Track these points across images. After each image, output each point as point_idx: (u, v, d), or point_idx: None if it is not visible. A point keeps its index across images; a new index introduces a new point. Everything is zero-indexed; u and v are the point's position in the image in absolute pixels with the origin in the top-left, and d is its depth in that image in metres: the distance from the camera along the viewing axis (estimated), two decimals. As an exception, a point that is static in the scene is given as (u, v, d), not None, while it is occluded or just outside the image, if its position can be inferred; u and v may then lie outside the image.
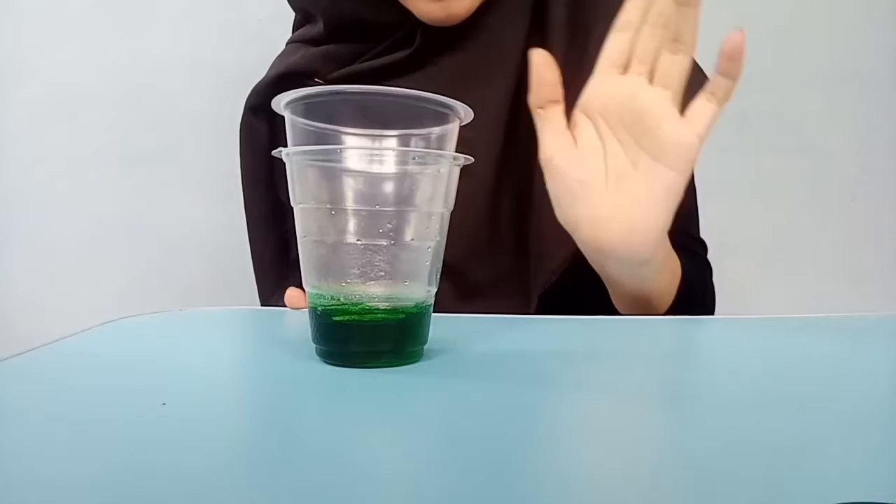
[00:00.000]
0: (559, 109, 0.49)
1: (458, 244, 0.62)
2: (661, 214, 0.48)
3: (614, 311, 0.58)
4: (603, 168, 0.49)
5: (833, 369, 0.39)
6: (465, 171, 0.55)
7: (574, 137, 0.50)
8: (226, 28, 1.16)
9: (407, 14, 0.64)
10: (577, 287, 0.61)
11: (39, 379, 0.35)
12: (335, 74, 0.68)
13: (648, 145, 0.47)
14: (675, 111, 0.47)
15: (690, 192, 0.67)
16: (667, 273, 0.55)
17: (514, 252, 0.65)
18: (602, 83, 0.50)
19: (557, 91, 0.49)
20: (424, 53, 0.66)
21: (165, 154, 1.18)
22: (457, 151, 0.37)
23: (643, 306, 0.56)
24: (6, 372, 0.36)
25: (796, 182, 1.17)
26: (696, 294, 0.60)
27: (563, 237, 0.55)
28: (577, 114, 0.50)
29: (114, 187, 1.19)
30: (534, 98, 0.49)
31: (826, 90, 1.16)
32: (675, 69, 0.47)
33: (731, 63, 0.47)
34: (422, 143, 0.38)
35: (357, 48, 0.68)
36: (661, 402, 0.32)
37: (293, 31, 0.76)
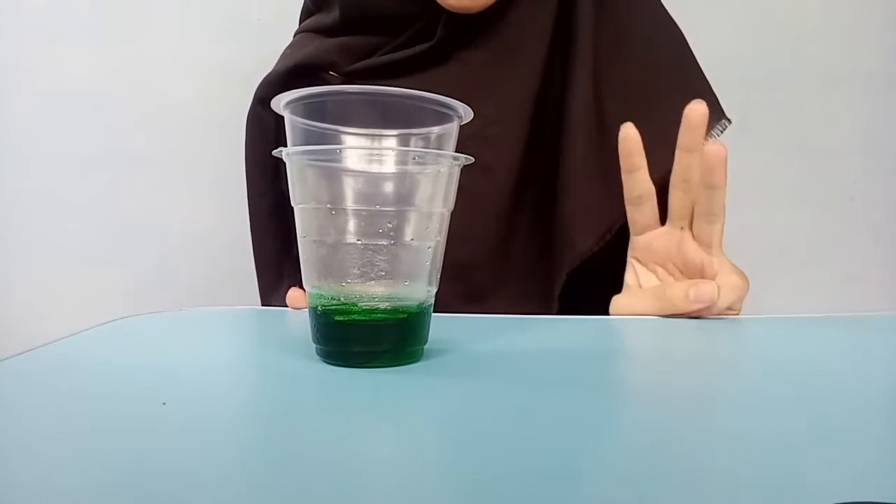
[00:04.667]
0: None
1: (472, 244, 0.62)
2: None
3: None
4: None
5: (833, 369, 0.39)
6: (481, 166, 0.55)
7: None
8: (225, 28, 1.16)
9: (427, 5, 0.62)
10: (595, 284, 0.62)
11: (39, 379, 0.35)
12: (353, 68, 0.65)
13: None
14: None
15: None
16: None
17: (530, 252, 0.64)
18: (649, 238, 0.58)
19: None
20: (446, 47, 0.64)
21: (165, 154, 1.18)
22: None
23: None
24: (6, 372, 0.36)
25: (796, 182, 1.17)
26: None
27: (590, 226, 0.60)
28: (631, 261, 0.59)
29: (114, 187, 1.19)
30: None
31: (826, 90, 1.16)
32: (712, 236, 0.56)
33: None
34: (421, 143, 0.38)
35: (375, 40, 0.66)
36: (661, 401, 0.32)
37: (301, 20, 0.74)
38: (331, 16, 0.68)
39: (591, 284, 0.61)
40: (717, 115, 0.64)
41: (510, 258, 0.64)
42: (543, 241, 0.64)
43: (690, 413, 0.30)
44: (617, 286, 0.63)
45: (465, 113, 0.37)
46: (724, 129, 0.65)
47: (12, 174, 1.19)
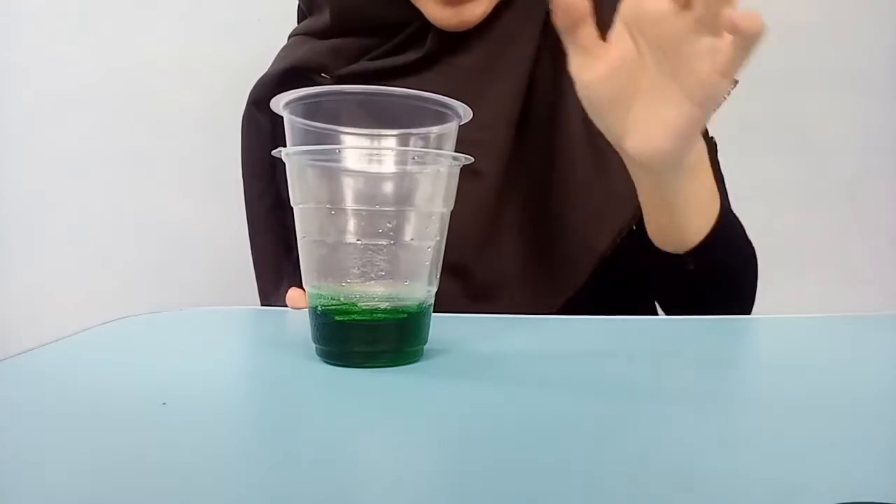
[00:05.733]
0: (588, 29, 0.45)
1: (464, 243, 0.63)
2: (685, 131, 0.45)
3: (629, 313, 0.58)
4: (631, 83, 0.46)
5: (833, 369, 0.39)
6: (472, 171, 0.53)
7: (610, 50, 0.46)
8: (225, 28, 1.16)
9: (415, 11, 0.63)
10: (598, 288, 0.61)
11: (39, 379, 0.35)
12: (345, 71, 0.66)
13: (680, 74, 0.44)
14: (711, 51, 0.42)
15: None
16: (701, 186, 0.52)
17: (523, 252, 0.64)
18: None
19: (585, 8, 0.44)
20: (437, 54, 0.65)
21: (166, 154, 1.18)
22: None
23: (678, 227, 0.53)
24: (6, 372, 0.36)
25: (796, 182, 1.17)
26: (736, 231, 0.59)
27: (603, 227, 0.59)
28: (619, 25, 0.46)
29: (114, 187, 1.19)
30: (560, 20, 0.44)
31: (826, 90, 1.16)
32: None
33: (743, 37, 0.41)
34: (421, 143, 0.38)
35: (366, 42, 0.67)
36: (662, 402, 0.32)
37: (298, 23, 0.74)
38: (322, 18, 0.69)
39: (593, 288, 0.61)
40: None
41: (501, 259, 0.64)
42: (530, 248, 0.64)
43: (691, 413, 0.30)
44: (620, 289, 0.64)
45: (465, 113, 0.37)
46: (734, 87, 0.62)
47: (12, 174, 1.19)
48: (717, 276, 0.57)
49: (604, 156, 0.61)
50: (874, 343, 0.47)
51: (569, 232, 0.63)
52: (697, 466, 0.24)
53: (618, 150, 0.49)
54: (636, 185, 0.53)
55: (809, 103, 1.16)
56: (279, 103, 0.37)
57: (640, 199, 0.54)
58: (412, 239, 0.36)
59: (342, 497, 0.21)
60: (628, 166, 0.52)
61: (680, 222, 0.53)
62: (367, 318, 0.36)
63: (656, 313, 0.72)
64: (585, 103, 0.48)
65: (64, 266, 1.20)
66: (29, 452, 0.25)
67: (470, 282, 0.63)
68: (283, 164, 0.38)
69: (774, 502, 0.21)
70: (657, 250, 0.56)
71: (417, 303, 0.37)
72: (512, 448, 0.25)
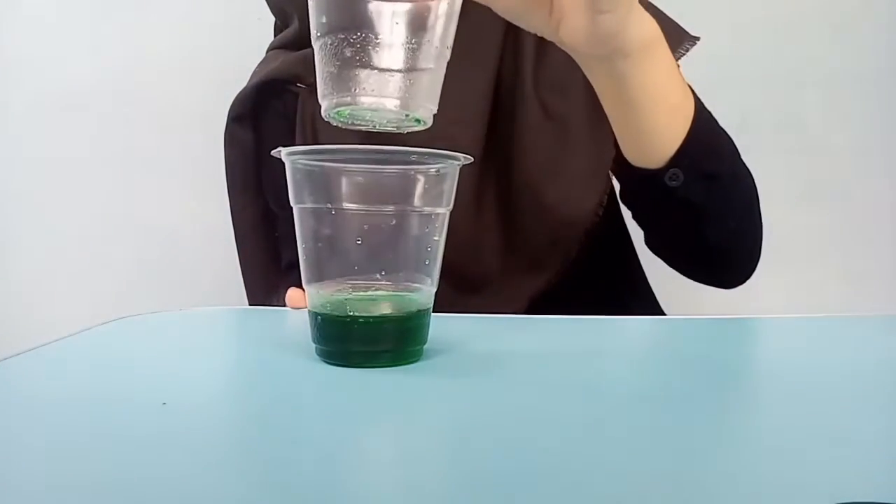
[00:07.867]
0: None
1: (449, 239, 0.63)
2: None
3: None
4: None
5: (832, 369, 0.39)
6: None
7: None
8: (226, 28, 1.16)
9: None
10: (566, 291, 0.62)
11: (39, 379, 0.35)
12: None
13: None
14: None
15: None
16: (662, 73, 0.51)
17: (501, 248, 0.65)
18: None
19: None
20: None
21: (166, 154, 1.18)
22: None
23: (651, 132, 0.52)
24: (6, 372, 0.36)
25: (796, 182, 1.17)
26: (721, 138, 0.58)
27: (583, 200, 0.60)
28: None
29: (114, 187, 1.19)
30: None
31: (826, 90, 1.16)
32: None
33: None
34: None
35: None
36: (661, 402, 0.32)
37: (274, 37, 0.76)
38: (292, 29, 0.70)
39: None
40: (679, 36, 0.63)
41: (482, 255, 0.65)
42: (507, 244, 0.65)
43: (690, 413, 0.30)
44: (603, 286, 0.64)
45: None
46: (693, 45, 0.62)
47: (12, 174, 1.19)
48: (710, 190, 0.55)
49: (566, 133, 0.62)
50: (874, 343, 0.47)
51: (547, 213, 0.63)
52: (697, 466, 0.24)
53: (561, 47, 0.48)
54: (594, 86, 0.51)
55: (810, 103, 1.16)
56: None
57: (603, 103, 0.52)
58: (413, 239, 0.36)
59: (342, 497, 0.21)
60: (580, 63, 0.50)
61: (650, 125, 0.52)
62: (368, 318, 0.36)
63: (654, 300, 0.72)
64: (508, 15, 0.48)
65: (63, 266, 1.20)
66: (29, 452, 0.25)
67: (457, 276, 0.63)
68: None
69: (774, 502, 0.21)
70: (640, 177, 0.55)
71: (417, 303, 0.37)
72: (512, 448, 0.25)
